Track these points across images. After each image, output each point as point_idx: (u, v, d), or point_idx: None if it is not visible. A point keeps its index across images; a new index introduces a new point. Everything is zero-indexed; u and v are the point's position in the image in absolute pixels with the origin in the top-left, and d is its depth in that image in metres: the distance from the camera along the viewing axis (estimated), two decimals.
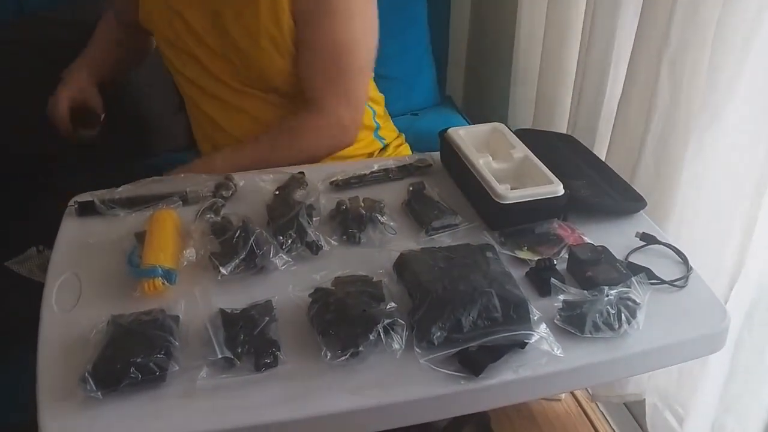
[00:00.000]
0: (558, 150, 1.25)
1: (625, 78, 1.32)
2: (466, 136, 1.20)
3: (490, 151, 1.18)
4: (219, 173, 1.16)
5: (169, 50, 1.37)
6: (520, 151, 1.15)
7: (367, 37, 1.27)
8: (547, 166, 1.11)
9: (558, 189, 1.06)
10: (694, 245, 1.20)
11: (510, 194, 1.04)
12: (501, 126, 1.24)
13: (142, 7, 1.37)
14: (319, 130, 1.28)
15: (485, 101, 2.18)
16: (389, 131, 1.52)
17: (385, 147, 1.48)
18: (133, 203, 1.09)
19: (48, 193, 1.29)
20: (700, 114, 1.15)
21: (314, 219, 1.06)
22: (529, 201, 1.05)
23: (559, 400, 1.76)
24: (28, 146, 1.61)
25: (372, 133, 1.46)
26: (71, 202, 1.10)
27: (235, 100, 1.34)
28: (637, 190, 1.15)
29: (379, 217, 1.07)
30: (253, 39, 1.25)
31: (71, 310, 0.91)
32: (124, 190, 1.12)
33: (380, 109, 1.50)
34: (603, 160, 1.27)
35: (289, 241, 0.99)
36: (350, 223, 1.07)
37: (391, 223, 1.07)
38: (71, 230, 1.06)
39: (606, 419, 1.71)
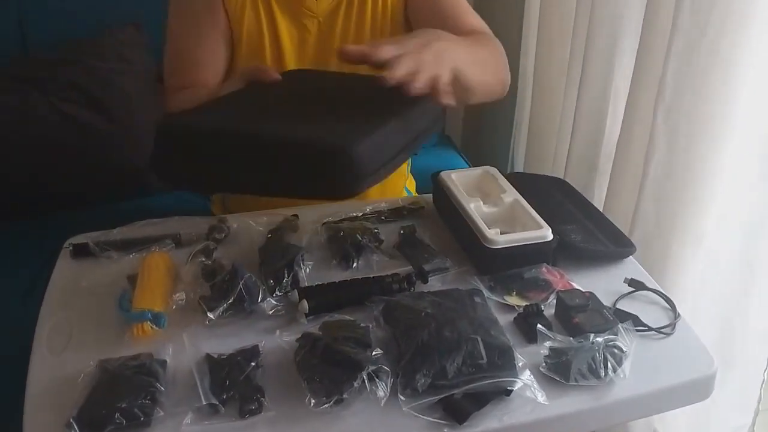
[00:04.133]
0: (549, 194, 1.26)
1: (621, 123, 1.34)
2: (457, 179, 1.21)
3: (482, 195, 1.19)
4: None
5: None
6: (510, 195, 1.17)
7: None
8: (537, 211, 1.12)
9: (547, 234, 1.07)
10: (692, 292, 1.20)
11: (499, 239, 1.05)
12: (492, 170, 1.25)
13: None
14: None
15: (484, 141, 2.21)
16: (411, 182, 1.53)
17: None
18: (127, 245, 1.10)
19: (45, 232, 1.31)
20: (697, 161, 1.16)
21: (308, 264, 1.08)
22: (517, 246, 1.05)
23: None
24: (28, 184, 1.63)
25: (404, 183, 1.48)
26: (66, 244, 1.12)
27: None
28: (634, 235, 1.16)
29: (376, 244, 1.12)
30: None
31: (61, 353, 0.92)
32: (118, 232, 1.13)
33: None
34: (595, 204, 1.28)
35: (282, 291, 1.00)
36: (348, 249, 1.10)
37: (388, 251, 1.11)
38: (65, 272, 1.07)
39: None
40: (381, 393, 0.83)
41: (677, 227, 1.21)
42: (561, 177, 1.48)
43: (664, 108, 1.16)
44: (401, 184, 1.48)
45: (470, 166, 1.85)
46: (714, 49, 1.09)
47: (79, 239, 1.12)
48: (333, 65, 1.24)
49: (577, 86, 1.51)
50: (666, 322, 0.98)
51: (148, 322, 0.92)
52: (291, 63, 1.28)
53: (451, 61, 0.95)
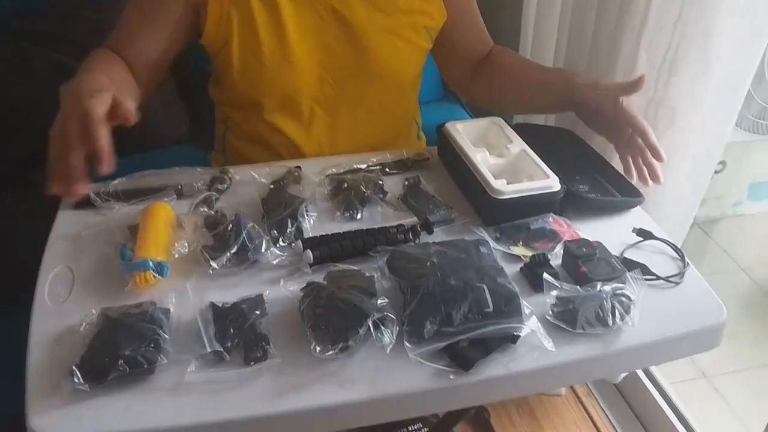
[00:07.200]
0: (556, 144, 1.24)
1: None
2: (463, 130, 1.19)
3: (488, 146, 1.17)
4: None
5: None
6: (517, 145, 1.15)
7: None
8: (544, 161, 1.10)
9: (554, 184, 1.05)
10: None
11: (505, 189, 1.04)
12: (499, 120, 1.23)
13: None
14: None
15: None
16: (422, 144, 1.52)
17: None
18: (128, 196, 1.09)
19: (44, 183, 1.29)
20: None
21: (311, 215, 1.06)
22: (524, 196, 1.04)
23: (560, 395, 1.75)
24: (27, 138, 1.61)
25: (417, 132, 1.47)
26: None
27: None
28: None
29: (380, 196, 1.11)
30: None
31: (63, 303, 0.91)
32: (119, 183, 1.12)
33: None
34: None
35: (286, 242, 0.99)
36: (352, 201, 1.09)
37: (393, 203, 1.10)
38: (66, 222, 1.06)
39: (606, 414, 1.71)
40: (387, 340, 0.82)
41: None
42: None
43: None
44: (413, 135, 1.46)
45: None
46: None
47: None
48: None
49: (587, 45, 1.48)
50: (675, 272, 0.97)
51: (151, 272, 0.91)
52: (301, 52, 1.20)
53: None
